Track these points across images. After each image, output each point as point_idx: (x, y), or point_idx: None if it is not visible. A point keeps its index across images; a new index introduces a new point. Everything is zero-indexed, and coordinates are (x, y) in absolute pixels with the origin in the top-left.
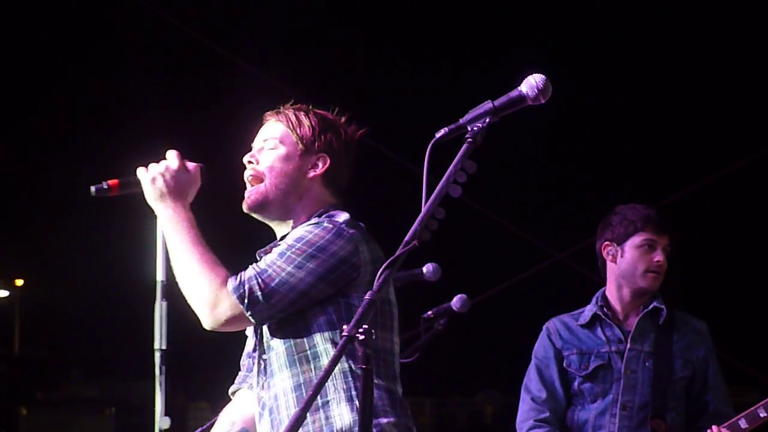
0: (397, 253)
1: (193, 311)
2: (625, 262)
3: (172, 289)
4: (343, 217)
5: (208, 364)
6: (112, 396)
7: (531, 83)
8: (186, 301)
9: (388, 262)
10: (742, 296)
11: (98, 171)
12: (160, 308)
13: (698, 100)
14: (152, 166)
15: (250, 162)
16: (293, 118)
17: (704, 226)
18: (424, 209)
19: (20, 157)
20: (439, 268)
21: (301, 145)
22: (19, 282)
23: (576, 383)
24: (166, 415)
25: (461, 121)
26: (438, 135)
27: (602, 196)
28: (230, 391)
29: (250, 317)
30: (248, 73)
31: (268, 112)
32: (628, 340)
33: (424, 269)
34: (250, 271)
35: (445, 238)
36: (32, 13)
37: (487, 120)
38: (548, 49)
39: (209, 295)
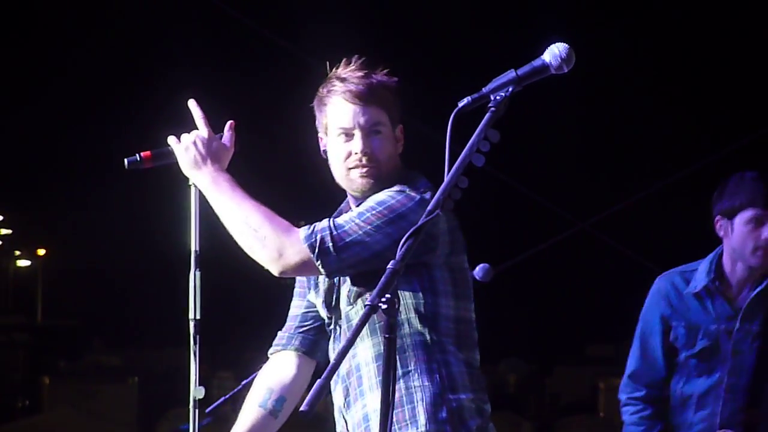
0: (420, 222)
1: (217, 281)
2: (734, 239)
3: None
4: (424, 183)
5: (231, 334)
6: (136, 365)
7: (554, 52)
8: (211, 269)
9: (411, 231)
10: None
11: (122, 140)
12: (194, 278)
13: (727, 67)
14: (184, 136)
15: (366, 153)
16: (386, 98)
17: None
18: (447, 178)
19: (42, 127)
20: (490, 269)
21: (392, 124)
22: (42, 251)
23: (682, 356)
24: (199, 384)
25: (484, 90)
26: (461, 104)
27: (626, 165)
28: (269, 352)
29: (320, 267)
30: (275, 45)
31: (344, 92)
32: (738, 319)
33: (475, 271)
34: (324, 222)
35: (469, 207)
36: None
37: (510, 89)
38: (573, 17)
39: (275, 243)
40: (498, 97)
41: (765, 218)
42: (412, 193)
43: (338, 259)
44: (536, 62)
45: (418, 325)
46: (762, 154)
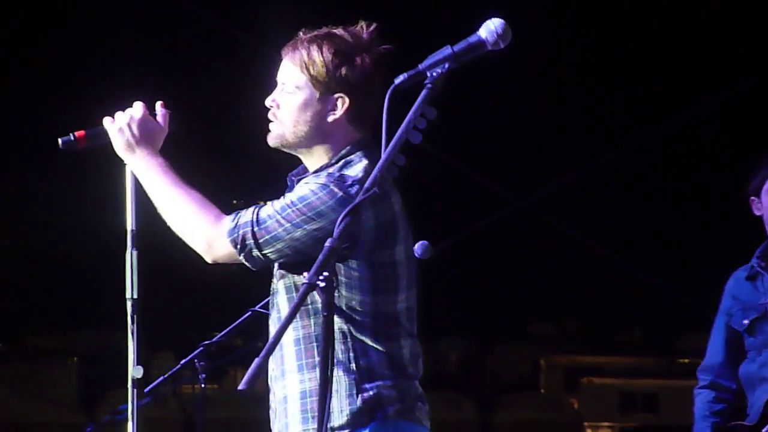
0: (357, 200)
1: (156, 260)
2: (766, 212)
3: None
4: (357, 170)
5: (171, 314)
6: (75, 346)
7: (490, 28)
8: (149, 250)
9: (347, 209)
10: None
11: (70, 121)
12: (130, 257)
13: (668, 39)
14: (118, 115)
15: (271, 106)
16: (306, 57)
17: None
18: (384, 156)
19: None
20: (429, 247)
21: (317, 89)
22: None
23: (744, 339)
24: (138, 364)
25: (420, 66)
26: (397, 81)
27: (566, 142)
28: None
29: (244, 261)
30: (227, 33)
31: (286, 46)
32: None
33: (414, 248)
34: (248, 216)
35: (406, 184)
36: None
37: (447, 65)
38: None
39: (203, 235)
40: (434, 74)
41: None
42: (335, 189)
43: (260, 255)
44: (472, 38)
45: (335, 317)
46: (702, 128)
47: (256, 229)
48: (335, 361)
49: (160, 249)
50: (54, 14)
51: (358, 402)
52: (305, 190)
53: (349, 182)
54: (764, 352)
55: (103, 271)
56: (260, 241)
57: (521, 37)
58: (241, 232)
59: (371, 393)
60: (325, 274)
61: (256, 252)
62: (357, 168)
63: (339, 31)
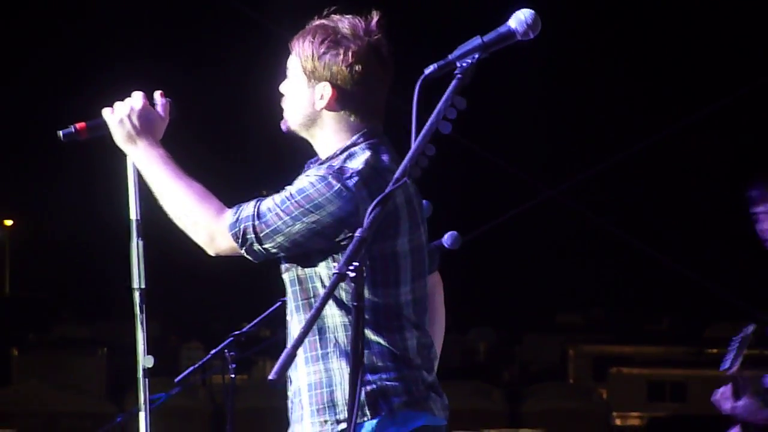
0: (387, 190)
1: (180, 252)
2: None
3: (153, 227)
4: (358, 162)
5: (200, 305)
6: (105, 337)
7: (520, 18)
8: (179, 242)
9: (377, 200)
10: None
11: (84, 110)
12: (136, 247)
13: (692, 32)
14: (117, 105)
15: (282, 94)
16: (300, 46)
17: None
18: (413, 146)
19: (6, 99)
20: (459, 237)
21: (307, 78)
22: (9, 222)
23: None
24: (149, 354)
25: (450, 57)
26: (427, 71)
27: (597, 132)
28: None
29: (246, 255)
30: (243, 15)
31: (295, 35)
32: None
33: (444, 239)
34: (249, 209)
35: (436, 175)
36: None
37: (476, 56)
38: None
39: (205, 229)
40: (464, 64)
41: (756, 216)
42: (333, 181)
43: (261, 249)
44: (502, 29)
45: (336, 309)
46: (725, 122)
47: (256, 222)
48: (338, 352)
49: (189, 240)
50: (56, 6)
51: (362, 395)
52: (305, 182)
53: (348, 174)
54: None
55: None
56: (261, 235)
57: (552, 26)
58: (242, 226)
59: (374, 386)
60: (355, 264)
61: (257, 246)
62: (359, 160)
63: (338, 19)
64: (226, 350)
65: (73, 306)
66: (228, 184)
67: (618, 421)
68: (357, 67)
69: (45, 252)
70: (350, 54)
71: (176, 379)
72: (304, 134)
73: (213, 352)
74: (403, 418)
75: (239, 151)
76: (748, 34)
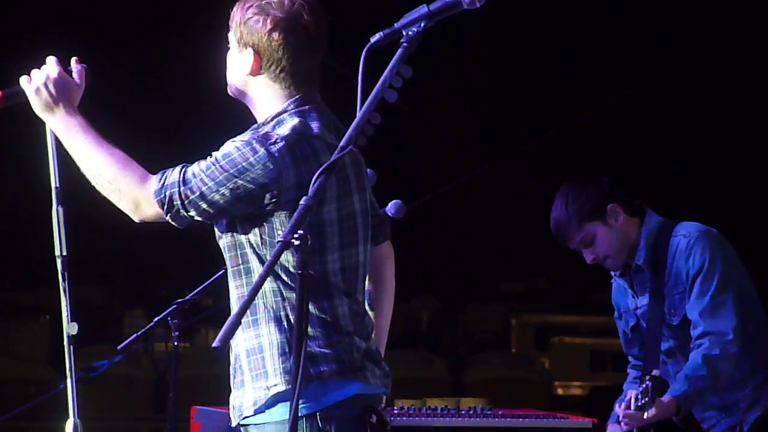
0: (332, 158)
1: (121, 219)
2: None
3: (95, 192)
4: (286, 128)
5: (142, 272)
6: (47, 303)
7: None
8: (115, 207)
9: (322, 168)
10: None
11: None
12: (56, 214)
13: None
14: (34, 73)
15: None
16: (234, 13)
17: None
18: (359, 114)
19: None
20: (402, 206)
21: (236, 44)
22: None
23: None
24: (73, 321)
25: (396, 25)
26: (373, 40)
27: (540, 101)
28: None
29: (171, 222)
30: None
31: None
32: None
33: (388, 208)
34: (174, 176)
35: (380, 143)
36: None
37: (423, 24)
38: None
39: (129, 196)
40: (410, 33)
41: (574, 248)
42: (257, 146)
43: (187, 216)
44: None
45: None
46: (671, 91)
47: (182, 188)
48: (267, 318)
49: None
50: None
51: (291, 361)
52: (230, 147)
53: (273, 139)
54: None
55: (74, 227)
56: (186, 201)
57: None
58: (167, 192)
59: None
60: (300, 232)
61: (183, 212)
62: (286, 126)
63: None
64: (169, 318)
65: (14, 273)
66: (183, 155)
67: (560, 391)
68: (275, 34)
69: None
70: (269, 21)
71: (119, 347)
72: (243, 101)
73: (156, 319)
74: (333, 386)
75: (191, 121)
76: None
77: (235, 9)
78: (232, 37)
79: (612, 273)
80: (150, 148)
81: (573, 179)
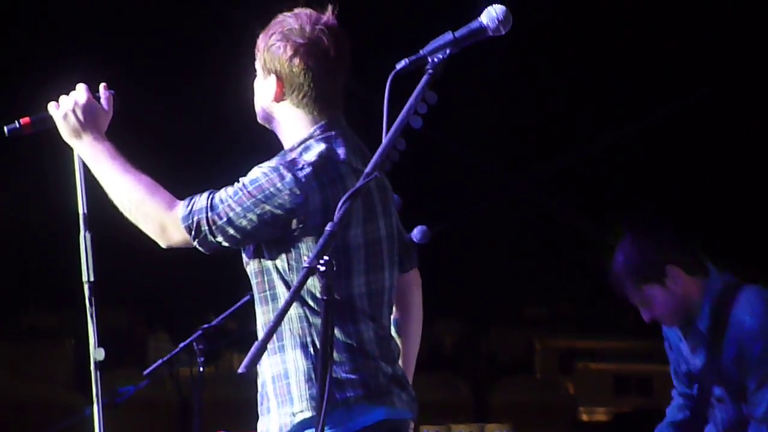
0: (359, 184)
1: (147, 243)
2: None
3: (123, 218)
4: (312, 154)
5: (167, 296)
6: (72, 327)
7: (491, 14)
8: (141, 232)
9: (348, 194)
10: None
11: (22, 106)
12: (84, 240)
13: (664, 19)
14: (62, 99)
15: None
16: (259, 40)
17: (677, 150)
18: (385, 140)
19: None
20: (427, 231)
21: (261, 70)
22: None
23: None
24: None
25: (421, 52)
26: (398, 66)
27: (566, 126)
28: None
29: (198, 247)
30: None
31: None
32: None
33: (413, 233)
34: (202, 201)
35: (405, 168)
36: None
37: (448, 51)
38: None
39: (157, 221)
40: (435, 60)
41: (633, 303)
42: (284, 172)
43: (214, 241)
44: (473, 24)
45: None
46: (692, 118)
47: (209, 214)
48: (293, 344)
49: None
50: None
51: (315, 389)
52: (257, 173)
53: (300, 165)
54: None
55: (99, 251)
56: (213, 228)
57: (519, 19)
58: (195, 218)
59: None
60: (325, 258)
61: (210, 238)
62: (313, 152)
63: (293, 14)
64: (195, 343)
65: (39, 296)
66: (212, 180)
67: (584, 416)
68: (296, 60)
69: (11, 241)
70: (289, 47)
71: (144, 372)
72: (269, 128)
73: (182, 344)
74: (359, 411)
75: (219, 147)
76: (713, 32)
77: (260, 37)
78: (258, 64)
79: None
80: (178, 174)
81: (636, 231)
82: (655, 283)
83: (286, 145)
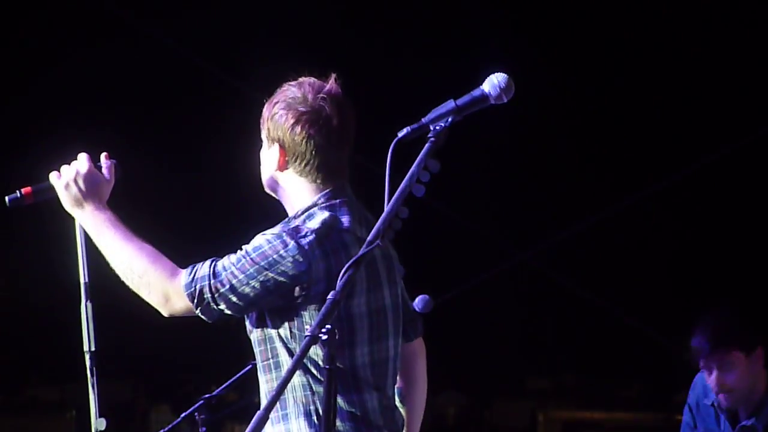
0: (360, 252)
1: (148, 313)
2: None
3: (124, 288)
4: (316, 222)
5: (169, 367)
6: (74, 398)
7: (493, 82)
8: (142, 302)
9: (351, 262)
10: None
11: (28, 173)
12: (85, 309)
13: (665, 90)
14: (63, 169)
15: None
16: (264, 109)
17: (677, 223)
18: (387, 209)
19: None
20: (430, 300)
21: (266, 139)
22: None
23: None
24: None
25: (423, 120)
26: (400, 134)
27: (567, 196)
28: None
29: (201, 315)
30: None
31: None
32: None
33: (415, 303)
34: (205, 269)
35: (408, 237)
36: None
37: (450, 119)
38: (511, 46)
39: (160, 290)
40: (438, 128)
41: (709, 366)
42: (287, 239)
43: (217, 309)
44: (476, 92)
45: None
46: (703, 185)
47: (212, 281)
48: (296, 412)
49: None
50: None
51: None
52: (261, 240)
53: (303, 233)
54: None
55: (100, 323)
56: (215, 295)
57: (522, 85)
58: (198, 285)
59: None
60: (328, 326)
61: (213, 305)
62: (317, 219)
63: (297, 83)
64: (196, 413)
65: (41, 368)
66: (215, 249)
67: None
68: (297, 128)
69: (12, 313)
70: (291, 116)
71: None
72: (275, 196)
73: (183, 415)
74: None
75: (222, 216)
76: (732, 90)
77: (265, 106)
78: (263, 133)
79: (713, 399)
80: (180, 242)
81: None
82: (743, 353)
83: (290, 213)
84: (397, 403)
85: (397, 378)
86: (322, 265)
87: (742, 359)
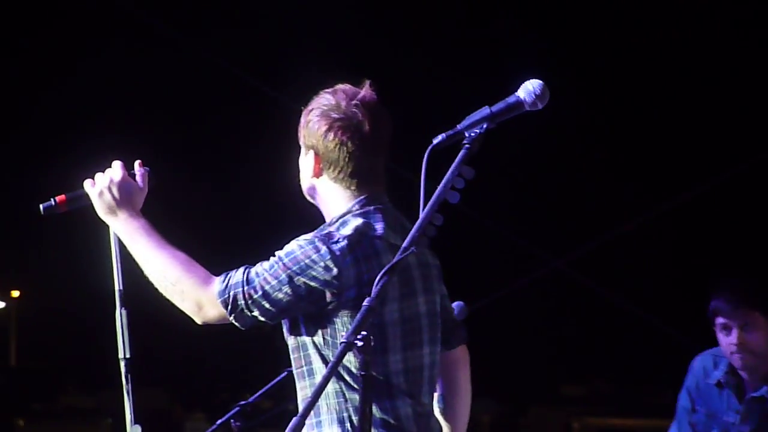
0: (395, 259)
1: (185, 321)
2: (719, 342)
3: (160, 297)
4: (349, 228)
5: (204, 374)
6: (109, 406)
7: (528, 89)
8: (174, 313)
9: (385, 269)
10: None
11: (63, 181)
12: (120, 317)
13: (695, 101)
14: (98, 177)
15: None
16: (300, 123)
17: (709, 227)
18: (422, 216)
19: (13, 167)
20: (465, 307)
21: (303, 146)
22: (15, 293)
23: None
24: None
25: (458, 127)
26: (435, 141)
27: (601, 203)
28: None
29: (234, 322)
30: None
31: None
32: (739, 416)
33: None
34: (238, 276)
35: (443, 244)
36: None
37: (485, 126)
38: (546, 54)
39: (193, 298)
40: (472, 134)
41: (730, 325)
42: (319, 245)
43: (250, 316)
44: (510, 99)
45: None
46: (735, 193)
47: (246, 288)
48: (330, 420)
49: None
50: (33, 79)
51: None
52: (293, 245)
53: (335, 239)
54: None
55: (137, 331)
56: (249, 302)
57: (557, 94)
58: (232, 292)
59: None
60: (363, 333)
61: (246, 312)
62: (350, 226)
63: (332, 90)
64: (232, 420)
65: (78, 376)
66: (250, 256)
67: None
68: (330, 135)
69: (51, 322)
70: (324, 122)
71: None
72: (314, 203)
73: (219, 422)
74: None
75: (260, 222)
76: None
77: (302, 114)
78: (301, 140)
79: (715, 372)
80: (213, 249)
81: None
82: (763, 316)
83: (328, 220)
84: (436, 410)
85: (436, 385)
86: (352, 272)
87: (763, 322)
